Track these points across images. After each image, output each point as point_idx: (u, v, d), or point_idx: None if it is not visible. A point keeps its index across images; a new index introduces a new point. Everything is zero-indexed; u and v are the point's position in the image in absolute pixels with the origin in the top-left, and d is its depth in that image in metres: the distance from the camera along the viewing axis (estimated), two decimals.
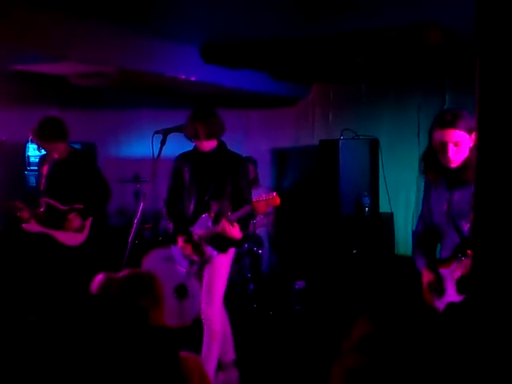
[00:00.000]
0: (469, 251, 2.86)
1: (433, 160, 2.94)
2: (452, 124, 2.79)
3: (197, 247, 3.72)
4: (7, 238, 5.59)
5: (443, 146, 2.82)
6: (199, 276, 3.82)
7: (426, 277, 3.02)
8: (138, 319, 1.20)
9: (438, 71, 5.50)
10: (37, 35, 3.41)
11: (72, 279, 4.14)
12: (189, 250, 3.74)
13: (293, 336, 4.85)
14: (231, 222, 3.54)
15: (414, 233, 3.29)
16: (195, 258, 3.74)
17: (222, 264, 3.72)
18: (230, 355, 3.88)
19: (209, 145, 3.68)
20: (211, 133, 3.64)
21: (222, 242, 3.67)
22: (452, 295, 2.93)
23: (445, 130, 2.80)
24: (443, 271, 2.98)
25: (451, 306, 2.85)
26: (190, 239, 3.73)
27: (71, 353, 1.09)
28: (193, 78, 4.68)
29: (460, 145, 2.81)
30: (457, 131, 2.79)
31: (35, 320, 1.14)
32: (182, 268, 3.87)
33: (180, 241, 3.75)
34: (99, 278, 2.11)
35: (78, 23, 3.66)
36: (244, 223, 3.68)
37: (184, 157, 3.83)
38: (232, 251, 3.81)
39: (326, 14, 3.74)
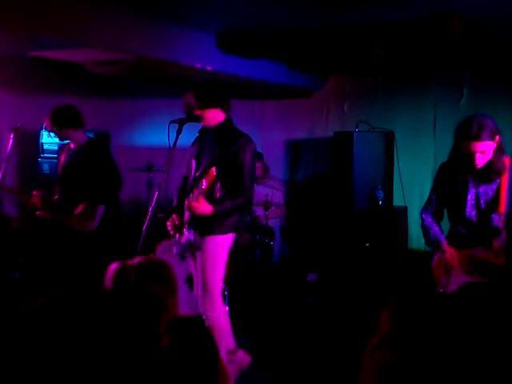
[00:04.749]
0: None
1: (461, 161, 3.25)
2: (478, 137, 3.08)
3: (180, 229, 3.56)
4: (21, 224, 5.62)
5: (470, 154, 3.15)
6: (194, 261, 3.64)
7: (449, 252, 3.33)
8: (155, 308, 1.18)
9: (456, 65, 5.44)
10: (55, 21, 3.39)
11: (83, 265, 4.17)
12: (171, 228, 3.60)
13: (304, 328, 4.84)
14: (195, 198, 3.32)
15: (422, 211, 3.56)
16: (183, 241, 3.55)
17: (213, 252, 3.53)
18: (230, 344, 3.73)
19: (209, 116, 3.53)
20: (203, 102, 3.49)
21: (201, 225, 3.48)
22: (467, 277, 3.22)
23: (471, 143, 3.10)
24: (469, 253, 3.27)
25: (470, 286, 3.04)
26: (179, 219, 3.60)
27: (87, 341, 1.08)
28: (209, 68, 4.65)
29: (485, 152, 3.14)
30: (483, 143, 3.10)
31: (42, 305, 1.13)
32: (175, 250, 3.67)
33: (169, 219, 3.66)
34: (114, 267, 2.08)
35: (96, 10, 3.64)
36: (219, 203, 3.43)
37: (199, 131, 3.75)
38: (224, 239, 3.54)
39: (344, 4, 3.70)
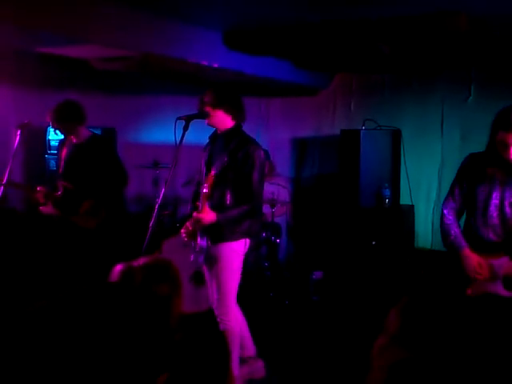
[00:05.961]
0: None
1: (494, 153, 3.03)
2: None
3: (194, 236, 3.56)
4: (27, 220, 5.64)
5: (506, 146, 2.94)
6: (208, 267, 3.64)
7: (475, 260, 3.08)
8: (162, 307, 1.18)
9: (463, 62, 5.40)
10: (61, 17, 3.39)
11: (87, 261, 4.17)
12: (185, 236, 3.60)
13: (309, 326, 4.83)
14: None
15: (444, 206, 3.30)
16: (197, 248, 3.57)
17: (227, 259, 3.52)
18: (250, 350, 3.75)
19: (216, 118, 3.52)
20: (216, 100, 3.48)
21: (213, 233, 3.49)
22: (495, 287, 3.00)
23: (509, 134, 2.89)
24: (493, 262, 3.05)
25: (490, 297, 2.86)
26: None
27: (92, 339, 1.07)
28: (215, 65, 4.64)
29: None
30: None
31: (44, 306, 1.12)
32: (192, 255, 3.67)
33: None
34: (119, 268, 2.07)
35: (102, 6, 3.63)
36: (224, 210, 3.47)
37: (209, 137, 3.74)
38: (237, 245, 3.54)
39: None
